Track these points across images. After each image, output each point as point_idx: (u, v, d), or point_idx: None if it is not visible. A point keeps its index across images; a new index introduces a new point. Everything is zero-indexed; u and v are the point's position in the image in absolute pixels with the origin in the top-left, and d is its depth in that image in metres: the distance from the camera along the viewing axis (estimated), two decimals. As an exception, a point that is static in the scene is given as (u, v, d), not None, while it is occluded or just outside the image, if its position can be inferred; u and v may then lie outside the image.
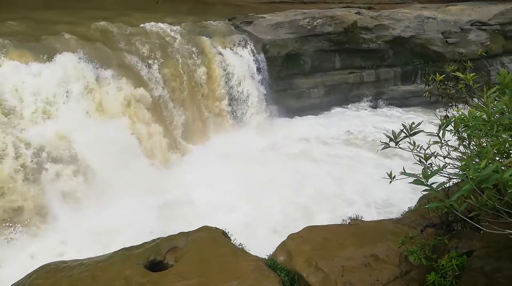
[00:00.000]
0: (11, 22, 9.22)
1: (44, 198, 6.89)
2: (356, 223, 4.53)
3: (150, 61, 10.52)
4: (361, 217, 4.68)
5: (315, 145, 12.20)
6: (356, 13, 15.87)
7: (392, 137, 2.86)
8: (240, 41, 12.94)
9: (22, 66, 8.10)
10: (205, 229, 4.60)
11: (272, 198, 8.60)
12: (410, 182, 2.37)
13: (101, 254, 4.35)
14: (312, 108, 14.51)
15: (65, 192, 7.08)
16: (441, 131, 2.84)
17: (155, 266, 4.17)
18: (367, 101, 15.58)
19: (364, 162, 10.99)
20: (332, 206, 8.71)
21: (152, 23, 11.63)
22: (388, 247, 3.81)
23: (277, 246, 4.30)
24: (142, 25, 11.41)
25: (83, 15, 11.47)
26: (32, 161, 7.00)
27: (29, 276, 4.16)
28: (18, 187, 6.73)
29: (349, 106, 15.30)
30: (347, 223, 4.57)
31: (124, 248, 4.40)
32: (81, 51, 9.05)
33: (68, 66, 8.61)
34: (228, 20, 14.04)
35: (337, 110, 14.96)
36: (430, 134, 2.87)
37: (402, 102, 15.85)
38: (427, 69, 15.11)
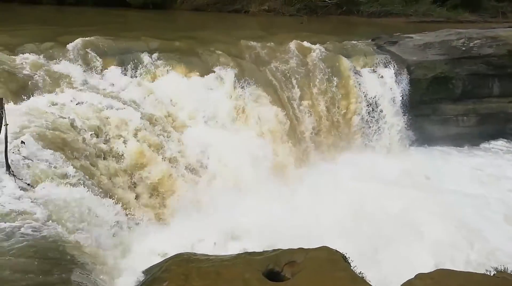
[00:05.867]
0: (177, 41, 10.85)
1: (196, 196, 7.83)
2: (503, 276, 3.86)
3: (289, 80, 10.97)
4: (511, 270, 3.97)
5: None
6: (525, 33, 13.74)
7: None
8: (381, 61, 12.45)
9: (181, 78, 9.37)
10: (325, 249, 4.54)
11: (401, 234, 7.92)
12: None
13: (227, 254, 4.69)
14: (457, 138, 12.97)
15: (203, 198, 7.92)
16: None
17: (273, 275, 4.29)
18: (532, 136, 13.21)
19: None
20: (475, 251, 7.63)
21: (296, 41, 12.06)
22: (545, 314, 3.14)
23: (401, 283, 3.97)
24: (285, 44, 11.95)
25: (236, 35, 12.67)
26: (186, 167, 7.98)
27: (166, 261, 4.75)
28: (175, 183, 7.64)
29: (506, 140, 13.16)
30: (491, 274, 3.94)
31: (247, 252, 4.66)
32: (231, 68, 10.00)
33: (220, 80, 9.65)
34: (372, 40, 13.70)
35: (490, 143, 13.03)
36: None
37: None
38: None
